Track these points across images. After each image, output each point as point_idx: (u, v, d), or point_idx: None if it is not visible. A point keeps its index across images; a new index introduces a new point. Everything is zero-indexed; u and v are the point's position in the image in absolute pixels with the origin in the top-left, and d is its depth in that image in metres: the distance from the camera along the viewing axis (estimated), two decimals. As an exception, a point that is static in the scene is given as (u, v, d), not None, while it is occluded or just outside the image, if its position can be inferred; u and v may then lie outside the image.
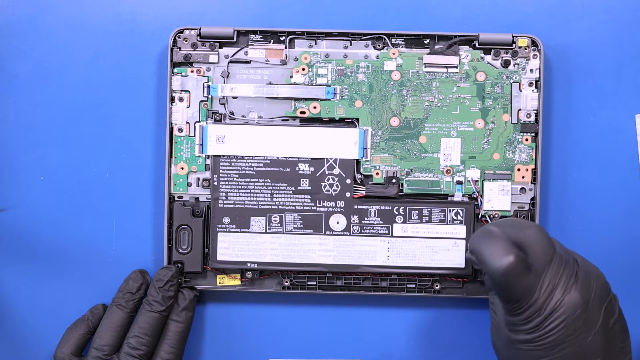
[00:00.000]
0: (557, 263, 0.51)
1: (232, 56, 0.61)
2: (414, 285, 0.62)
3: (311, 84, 0.61)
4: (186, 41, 0.61)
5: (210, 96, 0.61)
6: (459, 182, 0.61)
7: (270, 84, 0.61)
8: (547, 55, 0.62)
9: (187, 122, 0.61)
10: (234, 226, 0.61)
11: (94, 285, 0.63)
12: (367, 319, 0.63)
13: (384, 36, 0.61)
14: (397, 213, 0.61)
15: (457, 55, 0.61)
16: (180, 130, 0.61)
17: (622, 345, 0.52)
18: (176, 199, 0.62)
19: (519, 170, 0.61)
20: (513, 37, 0.61)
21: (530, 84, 0.61)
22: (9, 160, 0.63)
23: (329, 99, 0.61)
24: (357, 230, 0.61)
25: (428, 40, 0.61)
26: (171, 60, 0.61)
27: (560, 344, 0.50)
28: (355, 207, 0.61)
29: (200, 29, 0.61)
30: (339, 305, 0.63)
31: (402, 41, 0.61)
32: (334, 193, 0.61)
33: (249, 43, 0.61)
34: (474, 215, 0.61)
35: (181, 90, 0.61)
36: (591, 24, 0.62)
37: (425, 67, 0.61)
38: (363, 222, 0.61)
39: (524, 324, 0.51)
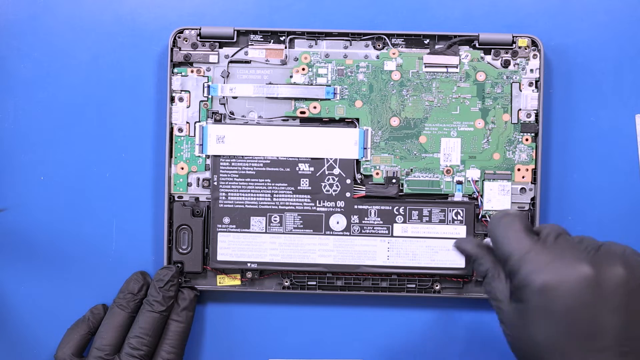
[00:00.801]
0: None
1: (232, 56, 0.61)
2: (414, 285, 0.61)
3: (311, 84, 0.61)
4: (186, 41, 0.61)
5: (210, 96, 0.61)
6: (459, 182, 0.61)
7: (270, 84, 0.61)
8: (547, 55, 0.62)
9: (187, 122, 0.61)
10: (234, 226, 0.61)
11: (94, 286, 0.63)
12: (367, 319, 0.63)
13: (384, 36, 0.61)
14: (397, 213, 0.61)
15: (457, 55, 0.61)
16: (180, 130, 0.61)
17: None
18: (176, 199, 0.62)
19: (519, 170, 0.61)
20: (513, 37, 0.61)
21: (530, 84, 0.61)
22: (9, 160, 0.63)
23: (329, 99, 0.61)
24: (357, 230, 0.61)
25: (428, 40, 0.61)
26: (171, 60, 0.61)
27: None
28: (355, 207, 0.61)
29: (200, 29, 0.61)
30: (339, 305, 0.63)
31: (402, 41, 0.61)
32: (334, 193, 0.61)
33: (249, 43, 0.61)
34: (474, 215, 0.61)
35: (181, 90, 0.61)
36: (591, 24, 0.62)
37: (425, 67, 0.61)
38: (363, 222, 0.61)
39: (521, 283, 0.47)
